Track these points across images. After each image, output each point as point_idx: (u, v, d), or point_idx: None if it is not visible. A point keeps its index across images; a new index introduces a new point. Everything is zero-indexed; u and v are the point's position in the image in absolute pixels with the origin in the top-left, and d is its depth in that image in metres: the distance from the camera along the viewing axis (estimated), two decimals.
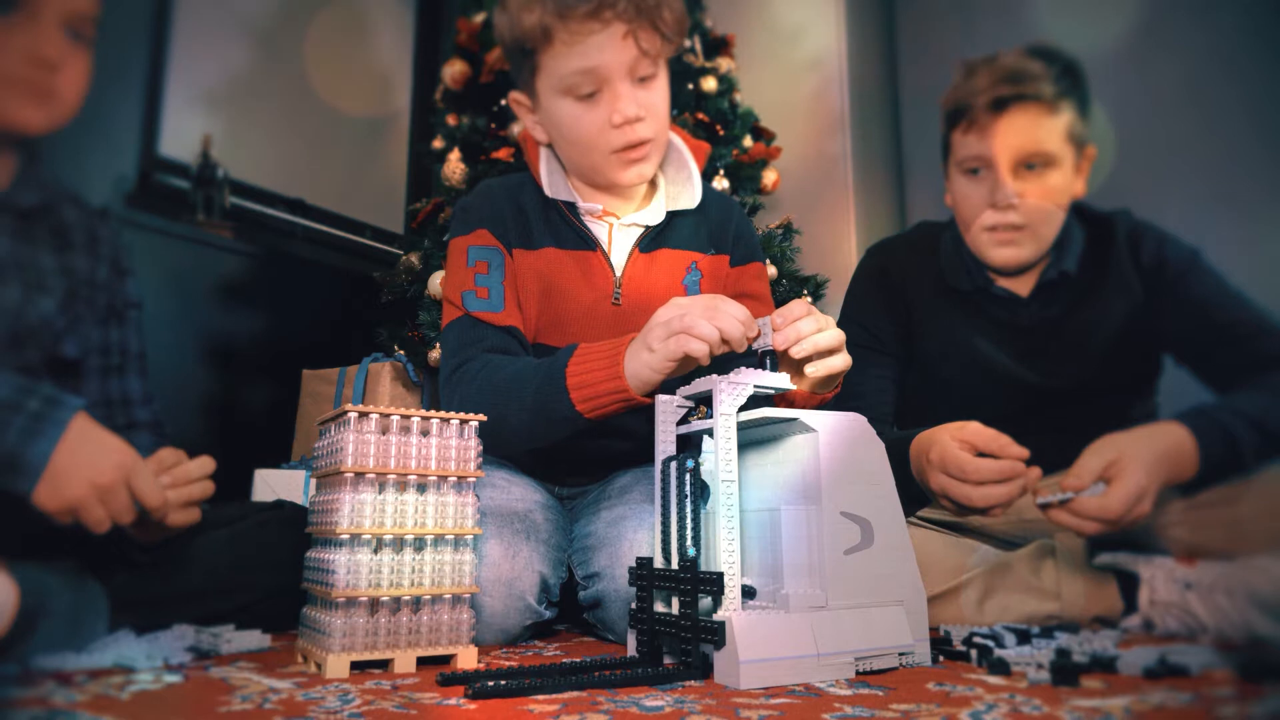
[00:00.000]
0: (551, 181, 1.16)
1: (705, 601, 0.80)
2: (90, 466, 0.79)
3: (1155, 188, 1.98)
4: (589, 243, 1.15)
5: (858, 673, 0.80)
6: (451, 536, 0.87)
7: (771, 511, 0.85)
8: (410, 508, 0.85)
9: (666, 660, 0.84)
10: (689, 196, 1.19)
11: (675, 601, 0.82)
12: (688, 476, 0.82)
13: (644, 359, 0.91)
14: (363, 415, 0.85)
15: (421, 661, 0.85)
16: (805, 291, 2.14)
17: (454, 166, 2.04)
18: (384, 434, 0.85)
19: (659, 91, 1.11)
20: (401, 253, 2.13)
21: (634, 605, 0.87)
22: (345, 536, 0.83)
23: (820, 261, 2.32)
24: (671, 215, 1.19)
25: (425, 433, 0.87)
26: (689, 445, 0.90)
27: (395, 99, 2.93)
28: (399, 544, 0.85)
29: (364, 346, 2.10)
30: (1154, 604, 1.03)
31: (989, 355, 1.26)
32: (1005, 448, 0.98)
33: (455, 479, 0.88)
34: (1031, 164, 1.14)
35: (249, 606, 1.01)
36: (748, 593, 0.83)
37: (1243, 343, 1.13)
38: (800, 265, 2.18)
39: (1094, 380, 1.23)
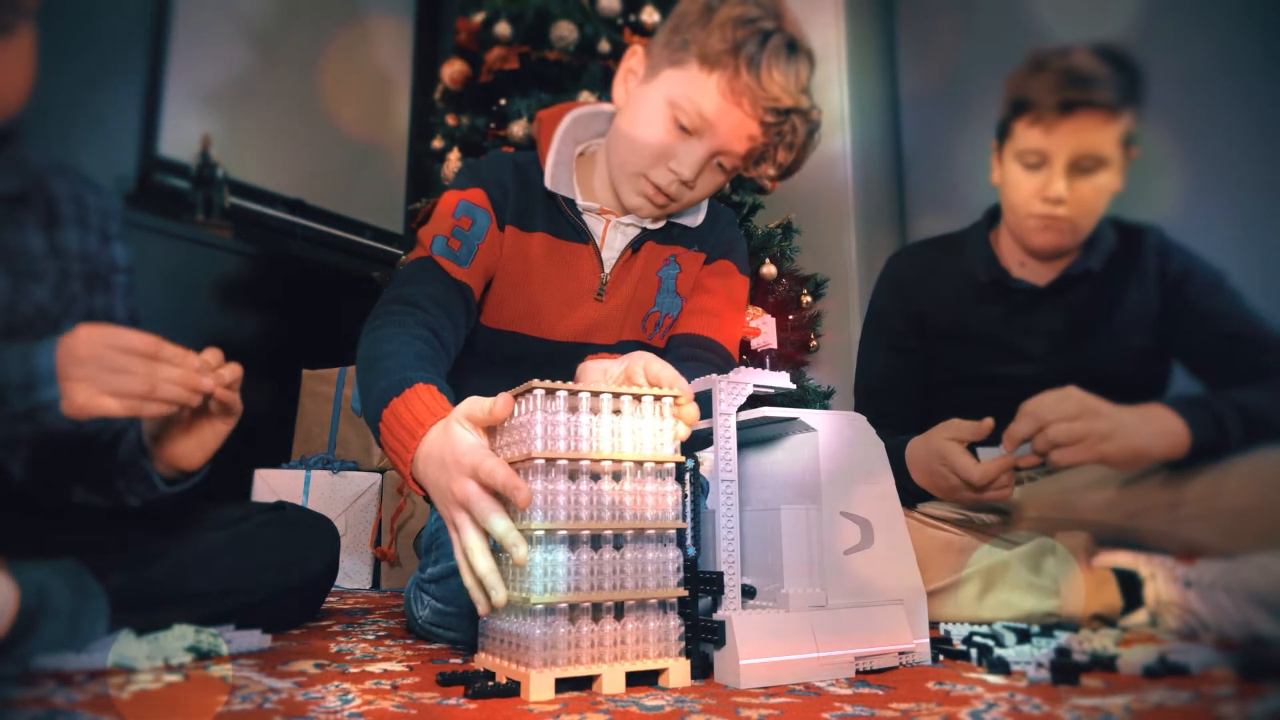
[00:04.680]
0: (555, 174, 1.13)
1: (705, 601, 0.80)
2: (83, 347, 0.82)
3: (1153, 187, 1.98)
4: (583, 235, 1.13)
5: (858, 672, 0.80)
6: (653, 531, 0.77)
7: (771, 511, 0.85)
8: (607, 498, 0.75)
9: None
10: (691, 216, 1.19)
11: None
12: (687, 476, 0.82)
13: (424, 471, 0.81)
14: (550, 393, 0.74)
15: (631, 679, 0.73)
16: (805, 290, 2.14)
17: (453, 166, 2.04)
18: (573, 413, 0.75)
19: (715, 181, 1.10)
20: (401, 253, 2.14)
21: None
22: (540, 533, 0.72)
23: (820, 261, 2.33)
24: (669, 223, 1.18)
25: (617, 411, 0.77)
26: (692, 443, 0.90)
27: (395, 99, 2.93)
28: (596, 541, 0.75)
29: None
30: (1154, 602, 1.03)
31: (1003, 346, 1.31)
32: (979, 430, 1.10)
33: (653, 465, 0.77)
34: (1085, 165, 1.19)
35: (249, 607, 1.01)
36: (748, 592, 0.83)
37: (1249, 354, 1.18)
38: (800, 265, 2.19)
39: (1102, 378, 1.25)
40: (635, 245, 1.15)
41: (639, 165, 1.07)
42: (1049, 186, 1.20)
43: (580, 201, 1.14)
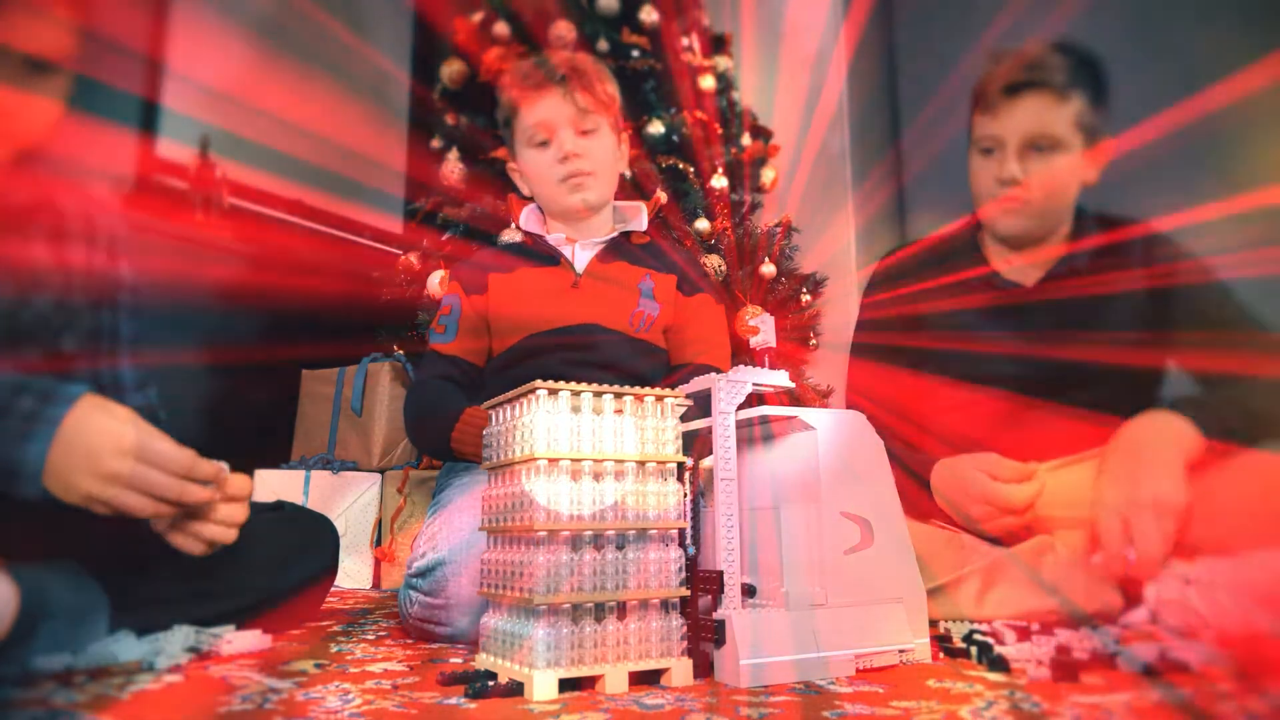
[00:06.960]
0: (526, 222, 1.46)
1: (705, 600, 0.80)
2: (88, 456, 0.78)
3: (1153, 187, 1.98)
4: (554, 258, 1.41)
5: (858, 670, 0.80)
6: (655, 531, 0.77)
7: (771, 510, 0.85)
8: (610, 498, 0.75)
9: None
10: (637, 224, 1.47)
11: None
12: (686, 475, 0.82)
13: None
14: (553, 393, 0.76)
15: (632, 678, 0.74)
16: (805, 290, 2.14)
17: (453, 166, 2.04)
18: (575, 414, 0.76)
19: (599, 141, 1.40)
20: (400, 253, 2.13)
21: None
22: (543, 534, 0.73)
23: (819, 260, 2.32)
24: (625, 235, 1.44)
25: (619, 412, 0.78)
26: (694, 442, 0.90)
27: (394, 99, 2.93)
28: (599, 541, 0.75)
29: (363, 346, 2.10)
30: (1154, 600, 1.03)
31: (994, 342, 1.30)
32: (1022, 471, 1.14)
33: (655, 464, 0.78)
34: (1039, 146, 1.21)
35: (249, 607, 1.01)
36: (748, 591, 0.83)
37: (1242, 350, 1.18)
38: (799, 264, 2.18)
39: (1095, 376, 1.25)
40: (601, 257, 1.41)
41: (552, 179, 1.39)
42: (1002, 168, 1.23)
43: (548, 236, 1.42)
